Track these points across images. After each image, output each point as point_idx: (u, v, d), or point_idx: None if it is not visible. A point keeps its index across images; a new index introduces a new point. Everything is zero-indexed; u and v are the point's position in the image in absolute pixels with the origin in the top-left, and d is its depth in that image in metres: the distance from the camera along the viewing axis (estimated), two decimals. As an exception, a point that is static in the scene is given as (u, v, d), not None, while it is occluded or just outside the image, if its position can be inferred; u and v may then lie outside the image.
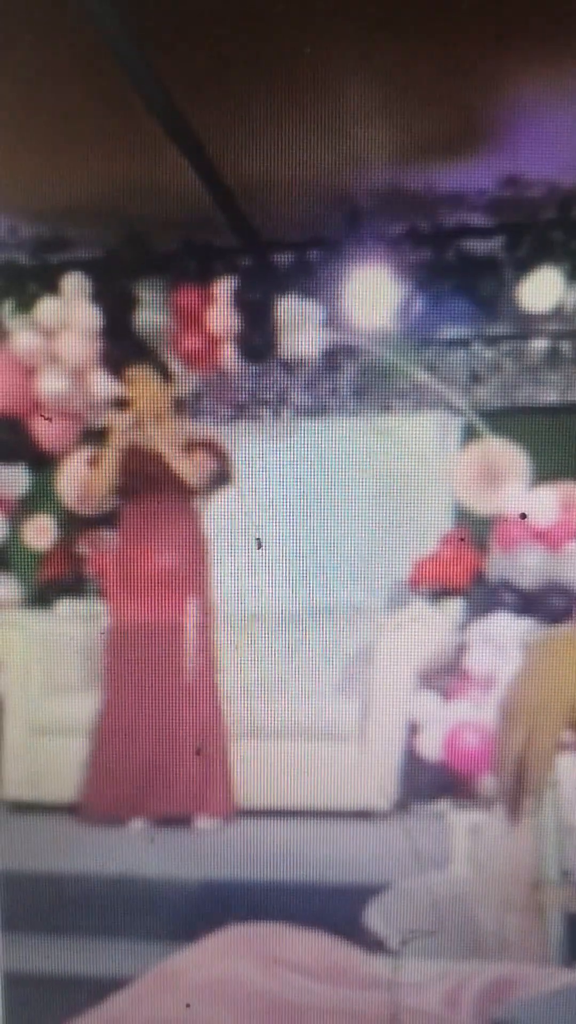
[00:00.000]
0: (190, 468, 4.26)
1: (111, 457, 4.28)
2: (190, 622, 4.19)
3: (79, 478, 4.86)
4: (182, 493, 4.29)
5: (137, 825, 4.02)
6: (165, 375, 4.46)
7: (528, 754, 1.24)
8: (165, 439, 4.28)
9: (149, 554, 4.25)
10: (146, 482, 4.28)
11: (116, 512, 4.79)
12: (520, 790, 1.23)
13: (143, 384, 4.36)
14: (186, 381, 4.95)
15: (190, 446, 4.32)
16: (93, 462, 4.43)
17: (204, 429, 4.60)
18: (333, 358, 5.03)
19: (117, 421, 4.32)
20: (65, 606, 4.99)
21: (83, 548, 5.15)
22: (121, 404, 4.37)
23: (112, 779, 4.09)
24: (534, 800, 1.24)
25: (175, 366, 4.82)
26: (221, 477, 4.35)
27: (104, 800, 4.08)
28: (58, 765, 4.29)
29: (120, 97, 3.82)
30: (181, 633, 4.17)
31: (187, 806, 4.05)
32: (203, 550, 4.32)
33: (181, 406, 4.70)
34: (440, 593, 4.65)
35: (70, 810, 4.14)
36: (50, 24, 3.44)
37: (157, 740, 4.08)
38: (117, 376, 4.80)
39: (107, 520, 5.19)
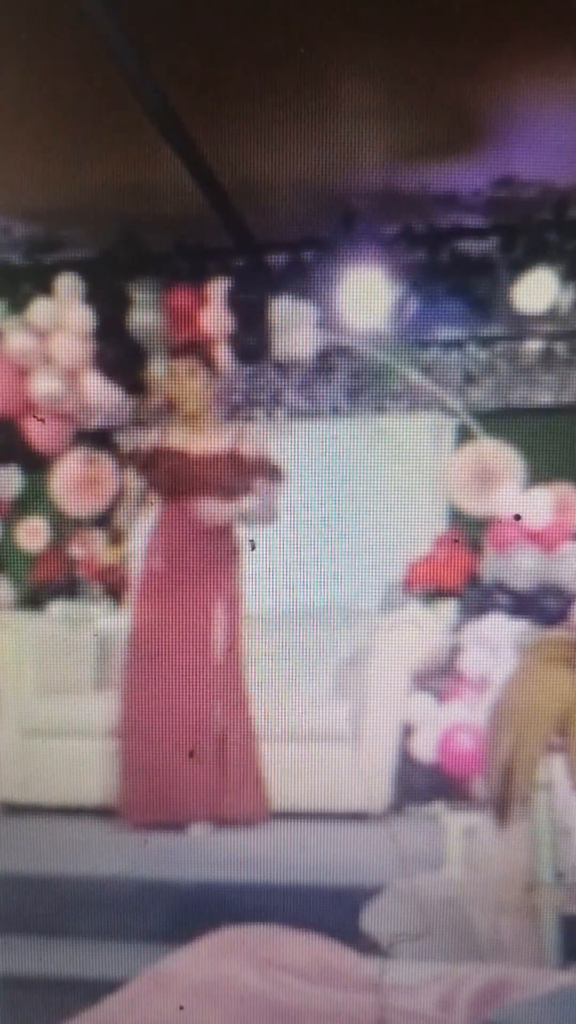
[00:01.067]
0: (251, 505, 4.16)
1: (151, 453, 4.18)
2: (218, 627, 4.13)
3: (78, 479, 4.84)
4: (218, 496, 4.19)
5: (196, 830, 3.95)
6: (212, 371, 4.35)
7: (515, 758, 1.24)
8: (203, 442, 4.15)
9: (181, 554, 4.17)
10: (183, 481, 4.17)
11: (110, 513, 4.79)
12: (508, 794, 1.23)
13: (189, 379, 4.23)
14: (234, 380, 4.90)
15: (248, 468, 4.20)
16: (132, 458, 4.29)
17: (251, 431, 4.41)
18: (327, 359, 5.03)
19: (160, 417, 4.23)
20: (58, 608, 4.98)
21: (76, 550, 5.14)
22: (169, 403, 4.25)
23: (147, 783, 4.01)
24: (521, 804, 1.24)
25: (224, 363, 4.73)
26: (271, 512, 4.23)
27: (143, 804, 4.00)
28: (51, 767, 4.28)
29: (115, 97, 3.81)
30: (209, 635, 4.10)
31: (220, 811, 4.00)
32: (235, 551, 4.24)
33: (224, 404, 4.62)
34: (434, 594, 4.64)
35: (64, 812, 4.13)
36: (44, 23, 3.44)
37: (189, 744, 4.02)
38: (113, 377, 4.79)
39: (101, 522, 5.20)
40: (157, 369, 4.89)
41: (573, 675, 1.21)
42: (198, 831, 3.95)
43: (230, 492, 4.19)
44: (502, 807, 1.19)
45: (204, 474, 4.16)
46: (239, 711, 4.10)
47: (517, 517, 4.51)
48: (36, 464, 5.14)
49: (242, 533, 4.26)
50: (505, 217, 4.65)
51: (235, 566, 4.22)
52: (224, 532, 4.22)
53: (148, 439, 4.24)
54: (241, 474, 4.20)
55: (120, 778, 4.05)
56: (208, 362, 4.33)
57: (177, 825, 3.96)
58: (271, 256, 4.94)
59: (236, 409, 5.21)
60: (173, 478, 4.18)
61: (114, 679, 4.39)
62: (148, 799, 4.00)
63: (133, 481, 4.28)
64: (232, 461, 4.20)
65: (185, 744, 3.99)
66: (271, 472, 4.24)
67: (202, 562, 4.15)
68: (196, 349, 4.39)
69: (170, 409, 4.24)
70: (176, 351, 4.41)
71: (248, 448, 4.23)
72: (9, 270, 4.99)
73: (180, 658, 4.07)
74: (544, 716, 1.21)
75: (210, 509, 4.13)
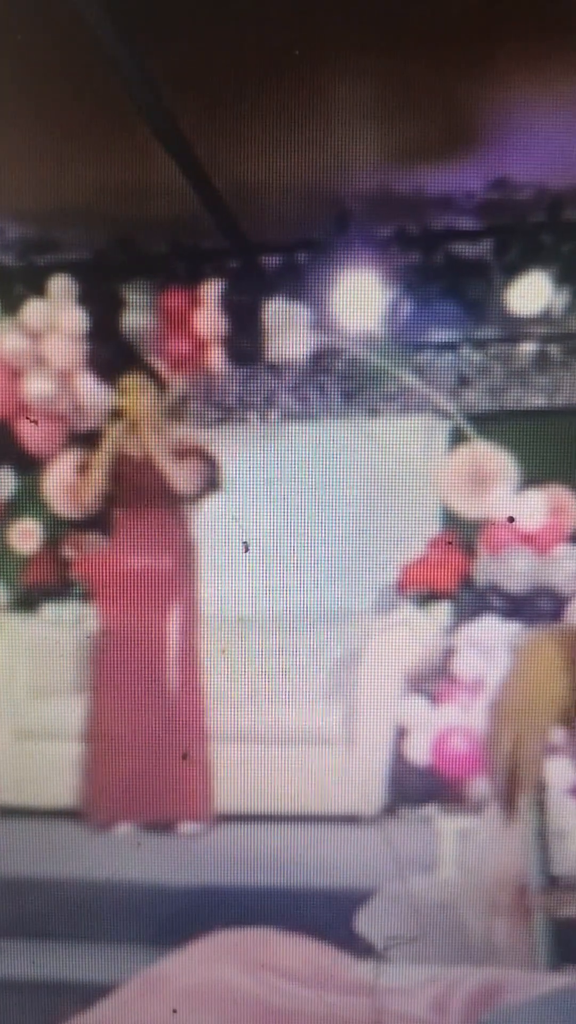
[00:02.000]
0: (181, 475, 4.28)
1: (102, 463, 4.31)
2: (174, 627, 4.20)
3: (67, 482, 4.85)
4: (172, 499, 4.31)
5: (123, 830, 4.02)
6: (159, 383, 4.48)
7: (519, 753, 1.23)
8: (157, 446, 4.30)
9: (137, 559, 4.26)
10: (137, 489, 4.30)
11: (104, 516, 4.78)
12: (513, 789, 1.23)
13: (137, 393, 4.39)
14: (178, 387, 4.95)
15: (181, 452, 4.33)
16: (81, 468, 4.44)
17: (194, 435, 4.61)
18: (321, 361, 5.02)
19: (110, 429, 4.34)
20: (50, 610, 4.97)
21: (69, 552, 5.13)
22: (115, 414, 4.38)
23: (102, 783, 4.10)
24: (527, 798, 1.24)
25: (166, 371, 4.83)
26: (211, 484, 4.36)
27: (97, 804, 4.09)
28: (43, 769, 4.27)
29: (109, 98, 3.80)
30: (165, 638, 4.18)
31: (168, 812, 4.06)
32: (192, 556, 4.34)
33: (174, 411, 4.70)
34: (428, 597, 4.64)
35: (57, 814, 4.12)
36: (38, 24, 3.43)
37: (141, 745, 4.09)
38: (106, 380, 4.79)
39: (94, 524, 5.18)
40: (164, 370, 4.90)
41: (570, 672, 1.21)
42: (124, 830, 4.00)
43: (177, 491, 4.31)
44: (509, 802, 1.19)
45: (156, 478, 4.26)
46: (193, 714, 4.15)
47: (511, 519, 4.52)
48: (29, 466, 5.13)
49: (230, 537, 4.28)
50: (499, 219, 4.65)
51: (191, 569, 4.30)
52: (181, 535, 4.30)
53: (99, 451, 4.34)
54: (177, 456, 4.34)
55: (83, 779, 4.11)
56: (155, 376, 4.45)
57: (111, 825, 4.03)
58: (265, 258, 4.94)
59: (229, 411, 5.21)
60: (127, 486, 4.28)
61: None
62: (105, 798, 4.07)
63: (80, 491, 4.40)
64: (178, 459, 4.28)
65: (139, 745, 4.06)
66: (201, 454, 4.38)
67: (157, 566, 4.24)
68: (144, 365, 4.52)
69: (117, 419, 4.34)
70: (126, 367, 4.53)
71: (187, 442, 4.40)
72: (2, 271, 4.98)
73: (137, 661, 4.15)
74: (545, 709, 1.21)
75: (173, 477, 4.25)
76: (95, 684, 4.25)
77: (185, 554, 4.33)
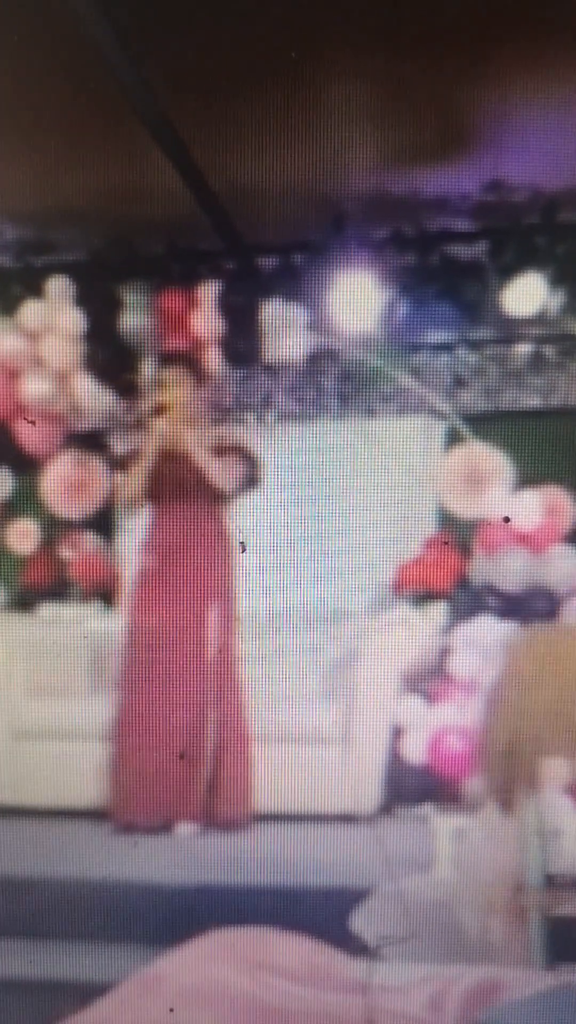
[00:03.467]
0: (221, 472, 4.22)
1: (146, 458, 4.23)
2: (212, 626, 4.15)
3: (67, 482, 4.85)
4: (211, 497, 4.25)
5: (183, 831, 3.98)
6: (199, 377, 4.42)
7: (515, 749, 1.25)
8: (196, 442, 4.24)
9: (176, 558, 4.20)
10: (176, 484, 4.22)
11: (106, 515, 4.79)
12: (510, 786, 1.24)
13: (177, 387, 4.32)
14: (225, 383, 4.93)
15: (220, 449, 4.28)
16: (124, 464, 4.37)
17: (234, 432, 4.56)
18: (317, 362, 5.03)
19: (153, 424, 4.27)
20: (48, 610, 4.98)
21: (66, 552, 5.14)
22: (157, 408, 4.32)
23: (134, 785, 4.03)
24: (524, 795, 1.25)
25: (216, 367, 4.79)
26: (251, 481, 4.31)
27: (128, 806, 4.02)
28: (40, 769, 4.27)
29: (106, 100, 3.81)
30: (203, 637, 4.13)
31: (207, 813, 4.02)
32: (229, 555, 4.27)
33: (215, 408, 4.67)
34: (424, 597, 4.66)
35: (54, 814, 4.13)
36: (37, 27, 3.44)
37: (179, 746, 4.04)
38: (103, 381, 4.79)
39: (92, 524, 5.19)
40: (148, 371, 4.89)
41: (565, 672, 1.22)
42: (184, 832, 3.97)
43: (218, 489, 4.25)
44: (507, 797, 1.20)
45: (194, 475, 4.21)
46: (233, 713, 4.11)
47: (506, 519, 4.53)
48: (27, 466, 5.13)
49: (235, 534, 4.28)
50: (494, 221, 4.66)
51: (229, 567, 4.24)
52: (218, 533, 4.25)
53: (142, 443, 4.28)
54: (217, 455, 4.28)
55: (112, 779, 4.07)
56: (195, 370, 4.40)
57: (164, 827, 3.97)
58: (262, 259, 4.95)
59: (226, 412, 5.22)
60: (165, 481, 4.22)
61: (105, 681, 4.40)
62: (139, 800, 4.02)
63: (126, 484, 4.32)
64: (217, 456, 4.25)
65: (177, 745, 4.01)
66: (241, 451, 4.32)
67: (196, 563, 4.18)
68: (183, 358, 4.47)
69: (159, 414, 4.28)
70: (164, 360, 4.49)
71: (226, 440, 4.33)
72: (0, 272, 4.99)
73: (174, 659, 4.09)
74: (540, 706, 1.22)
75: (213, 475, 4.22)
76: (127, 683, 4.17)
77: (220, 553, 4.26)
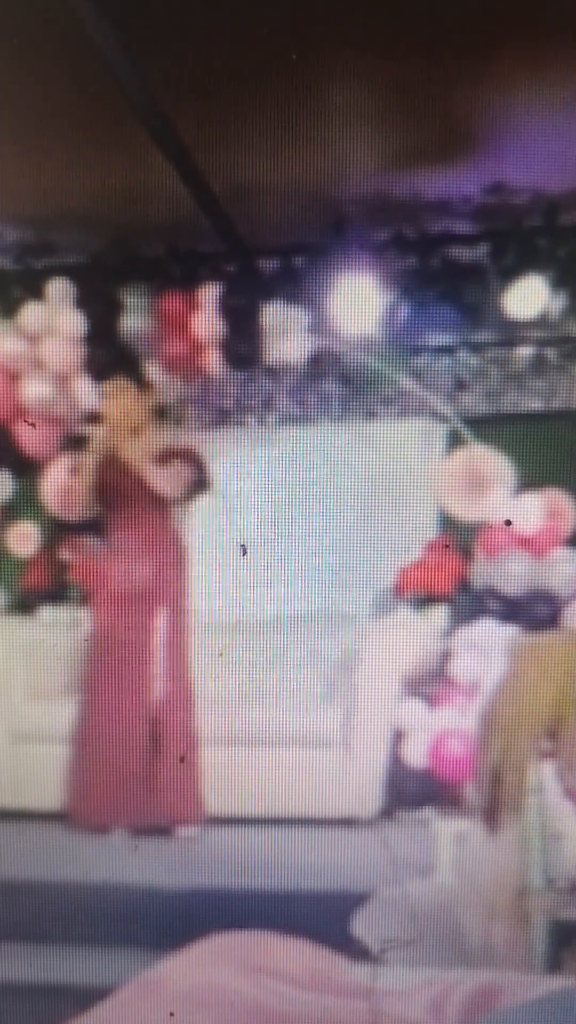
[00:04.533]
0: (165, 480, 4.26)
1: (88, 468, 4.30)
2: (162, 631, 4.20)
3: (63, 485, 4.85)
4: (160, 503, 4.30)
5: (117, 834, 4.01)
6: (142, 385, 4.46)
7: (504, 764, 1.23)
8: (139, 451, 4.28)
9: (125, 563, 4.25)
10: (123, 494, 4.29)
11: (101, 519, 4.79)
12: (497, 800, 1.23)
13: (119, 396, 4.38)
14: (167, 390, 4.94)
15: (165, 456, 4.31)
16: (73, 472, 4.44)
17: (182, 437, 4.60)
18: (318, 364, 5.02)
19: (93, 433, 4.33)
20: (48, 613, 4.97)
21: (66, 555, 5.13)
22: (96, 417, 4.38)
23: (91, 787, 4.09)
24: (511, 811, 1.23)
25: (156, 374, 4.82)
26: (198, 485, 4.35)
27: (86, 808, 4.08)
28: (40, 772, 4.27)
29: (107, 102, 3.81)
30: (153, 641, 4.17)
31: (157, 816, 4.05)
32: (180, 560, 4.33)
33: (163, 414, 4.69)
34: (425, 600, 4.65)
35: (54, 817, 4.12)
36: (37, 28, 3.43)
37: (130, 749, 4.08)
38: (103, 383, 4.79)
39: (91, 527, 5.18)
40: (149, 373, 4.89)
41: (564, 679, 1.21)
42: (118, 835, 4.00)
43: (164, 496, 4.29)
44: (492, 813, 1.18)
45: (138, 484, 4.25)
46: (181, 716, 4.14)
47: (508, 523, 4.52)
48: (26, 468, 5.13)
49: (228, 540, 4.29)
50: (496, 223, 4.66)
51: (180, 571, 4.29)
52: (168, 538, 4.30)
53: (85, 457, 4.34)
54: (161, 461, 4.32)
55: (68, 779, 4.11)
56: (138, 378, 4.43)
57: (106, 829, 4.01)
58: (262, 261, 4.94)
59: (227, 414, 5.21)
60: (112, 489, 4.28)
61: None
62: (91, 801, 4.06)
63: (74, 494, 4.40)
64: (161, 463, 4.27)
65: (128, 748, 4.06)
66: (185, 456, 4.36)
67: (145, 568, 4.23)
68: (125, 367, 4.51)
69: (99, 424, 4.34)
70: (108, 370, 4.52)
71: (172, 447, 4.39)
72: (0, 275, 4.99)
73: (125, 663, 4.14)
74: (534, 720, 1.20)
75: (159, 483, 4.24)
76: (85, 687, 4.25)
77: (173, 557, 4.32)
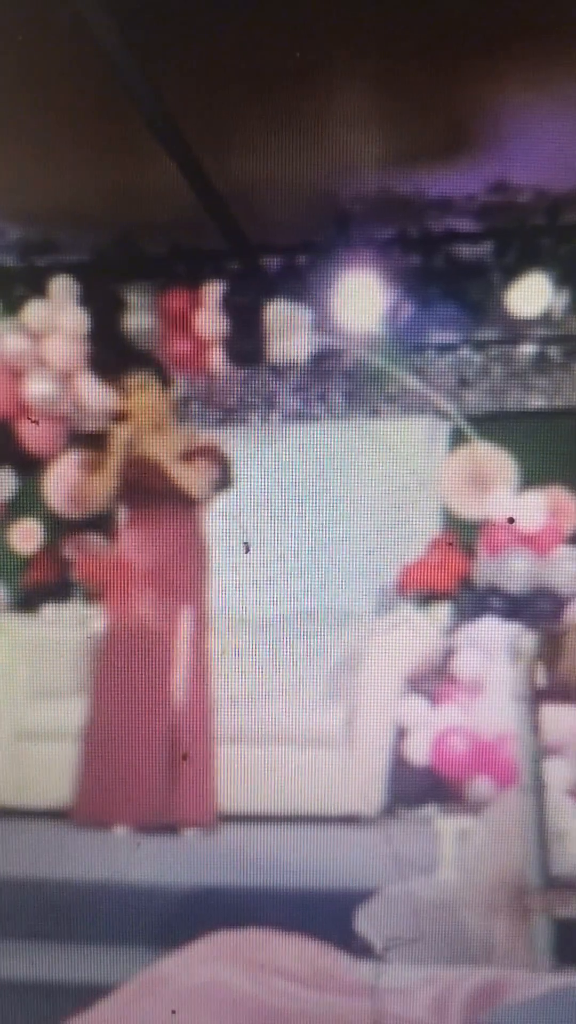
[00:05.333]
0: (190, 477, 4.21)
1: (112, 465, 4.24)
2: (183, 630, 4.16)
3: (70, 482, 4.84)
4: (183, 500, 4.24)
5: (120, 831, 4.00)
6: (164, 382, 4.41)
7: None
8: (164, 448, 4.23)
9: (147, 560, 4.21)
10: (146, 490, 4.23)
11: (105, 516, 4.78)
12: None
13: (142, 392, 4.31)
14: (186, 387, 4.93)
15: (190, 453, 4.26)
16: (92, 468, 4.38)
17: (204, 434, 4.56)
18: (322, 362, 5.03)
19: (116, 430, 4.28)
20: (51, 610, 4.97)
21: (69, 552, 5.14)
22: (120, 414, 4.32)
23: (100, 784, 4.07)
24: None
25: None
26: (222, 483, 4.30)
27: (93, 805, 4.06)
28: (44, 770, 4.27)
29: (111, 101, 3.81)
30: (174, 641, 4.14)
31: (169, 815, 4.03)
32: (202, 558, 4.27)
33: (179, 411, 4.66)
34: (428, 598, 4.65)
35: (57, 815, 4.12)
36: (42, 28, 3.44)
37: (144, 747, 4.06)
38: (108, 381, 4.78)
39: (95, 524, 5.19)
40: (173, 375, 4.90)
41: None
42: (122, 832, 3.99)
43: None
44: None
45: (163, 481, 4.21)
46: (199, 717, 4.12)
47: (511, 520, 4.52)
48: (30, 466, 5.13)
49: (231, 537, 4.28)
50: (499, 222, 4.66)
51: (202, 572, 4.25)
52: (190, 535, 4.26)
53: (108, 452, 4.30)
54: (186, 459, 4.27)
55: (77, 776, 4.09)
56: (161, 375, 4.40)
57: (110, 825, 3.99)
58: (266, 260, 4.94)
59: (231, 412, 5.22)
60: (135, 486, 4.24)
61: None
62: (101, 799, 4.04)
63: (94, 493, 4.35)
64: (186, 461, 4.25)
65: (143, 746, 4.04)
66: (210, 454, 4.29)
67: (168, 565, 4.19)
68: (149, 363, 4.47)
69: (122, 420, 4.29)
70: (131, 366, 4.49)
71: (195, 444, 4.32)
72: (3, 272, 4.99)
73: (145, 660, 4.11)
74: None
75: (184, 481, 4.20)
76: (98, 685, 4.21)
77: (196, 555, 4.27)
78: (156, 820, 4.00)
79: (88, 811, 4.05)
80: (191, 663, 4.15)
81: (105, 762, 4.08)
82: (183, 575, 4.21)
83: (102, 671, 4.21)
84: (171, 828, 4.01)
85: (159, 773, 4.05)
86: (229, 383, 5.12)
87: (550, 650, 2.53)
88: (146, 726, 4.07)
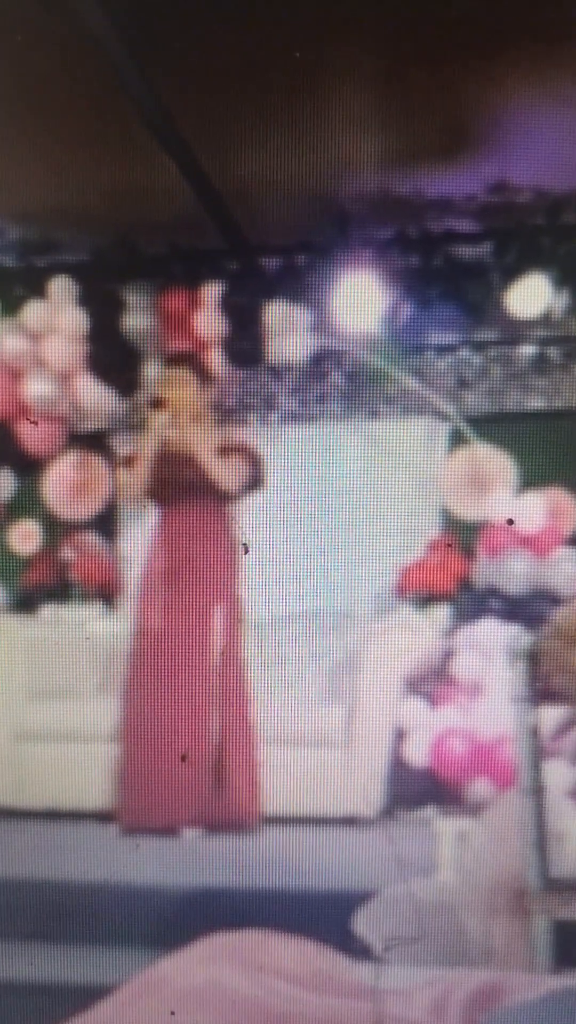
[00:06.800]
0: (225, 472, 4.18)
1: (147, 456, 4.19)
2: (217, 627, 4.12)
3: (70, 483, 4.84)
4: (217, 498, 4.21)
5: (190, 834, 3.95)
6: (204, 377, 4.38)
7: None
8: (201, 442, 4.19)
9: (181, 559, 4.17)
10: (180, 484, 4.19)
11: (107, 517, 4.77)
12: None
13: (181, 385, 4.26)
14: (228, 384, 4.90)
15: (225, 450, 4.23)
16: (128, 463, 4.33)
17: (238, 432, 4.53)
18: (321, 363, 5.02)
19: (154, 421, 4.23)
20: (49, 611, 4.97)
21: (68, 553, 5.13)
22: (158, 403, 4.26)
23: (144, 788, 4.00)
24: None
25: (218, 368, 4.77)
26: (255, 482, 4.27)
27: (138, 809, 3.99)
28: (42, 771, 4.26)
29: (110, 101, 3.81)
30: (209, 638, 4.10)
31: (215, 816, 3.99)
32: (234, 555, 4.24)
33: (218, 409, 4.63)
34: (427, 599, 4.64)
35: (55, 816, 4.12)
36: (40, 27, 3.43)
37: (186, 748, 4.00)
38: (105, 382, 4.78)
39: (98, 524, 5.19)
40: (150, 372, 4.89)
41: None
42: (191, 835, 3.95)
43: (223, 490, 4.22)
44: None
45: (199, 476, 4.18)
46: (238, 715, 4.09)
47: (510, 522, 4.52)
48: (29, 467, 5.13)
49: (239, 535, 4.26)
50: (498, 222, 4.66)
51: (234, 570, 4.21)
52: (223, 533, 4.22)
53: (142, 442, 4.25)
54: (220, 455, 4.23)
55: (118, 782, 4.05)
56: (200, 370, 4.36)
57: (171, 829, 3.95)
58: (265, 260, 4.94)
59: (229, 413, 5.21)
60: (170, 481, 4.19)
61: (107, 682, 4.39)
62: (145, 803, 3.99)
63: (128, 485, 4.30)
64: (221, 457, 4.22)
65: (182, 748, 3.99)
66: (245, 452, 4.27)
67: (202, 564, 4.15)
68: (189, 358, 4.44)
69: (160, 413, 4.24)
70: (171, 360, 4.46)
71: (231, 441, 4.29)
72: (2, 272, 4.99)
73: (180, 661, 4.06)
74: None
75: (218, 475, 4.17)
76: (132, 686, 4.15)
77: (228, 552, 4.23)
78: (202, 822, 3.96)
79: (133, 816, 3.99)
80: (227, 661, 4.12)
81: (147, 765, 4.02)
82: (216, 572, 4.17)
83: (135, 672, 4.16)
84: (219, 829, 3.96)
85: (203, 774, 4.01)
86: (227, 384, 5.11)
87: (535, 652, 2.53)
88: (186, 727, 4.02)
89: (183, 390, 4.25)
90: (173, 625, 4.10)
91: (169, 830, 3.94)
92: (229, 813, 4.00)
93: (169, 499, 4.20)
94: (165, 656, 4.07)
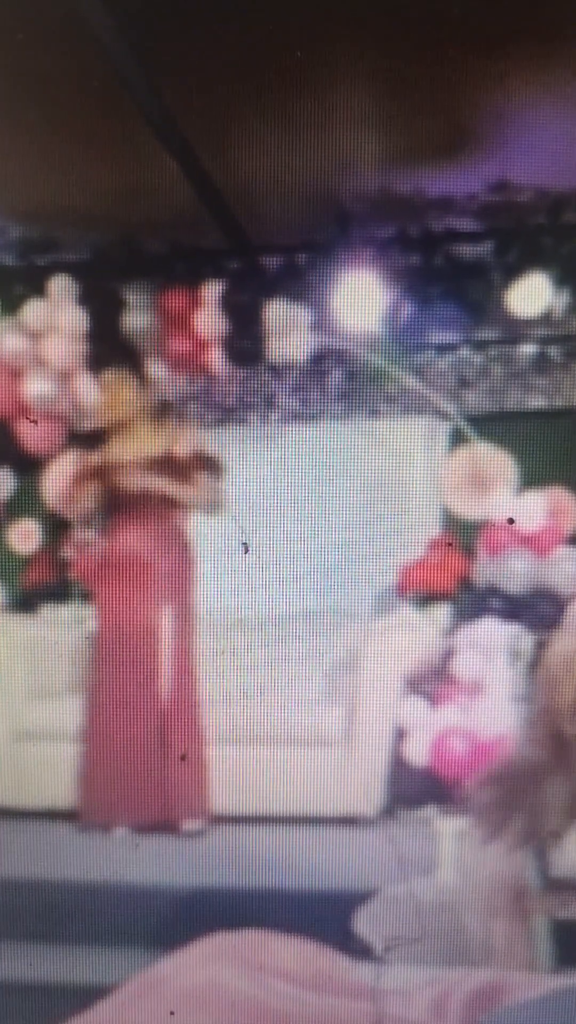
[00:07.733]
0: (193, 494, 4.23)
1: (92, 472, 4.26)
2: (168, 628, 4.18)
3: (65, 484, 4.84)
4: (166, 501, 4.26)
5: (119, 832, 4.00)
6: (142, 379, 4.42)
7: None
8: (154, 479, 4.23)
9: (131, 559, 4.23)
10: (132, 496, 4.24)
11: (103, 516, 4.77)
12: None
13: (118, 388, 4.33)
14: (167, 385, 4.92)
15: (182, 463, 4.26)
16: (78, 476, 4.39)
17: (187, 432, 4.55)
18: (321, 362, 5.02)
19: (105, 435, 4.29)
20: (49, 611, 4.97)
21: (68, 552, 5.13)
22: (104, 412, 4.33)
23: (96, 785, 4.08)
24: None
25: (158, 370, 4.80)
26: (209, 485, 4.31)
27: (92, 806, 4.07)
28: (42, 771, 4.26)
29: (111, 99, 3.80)
30: (159, 639, 4.16)
31: (163, 814, 4.04)
32: (187, 556, 4.31)
33: (167, 409, 4.66)
34: (427, 598, 4.64)
35: (55, 816, 4.12)
36: (42, 26, 3.43)
37: (136, 746, 4.07)
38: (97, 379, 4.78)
39: (93, 524, 5.18)
40: (151, 371, 4.89)
41: None
42: (121, 833, 3.99)
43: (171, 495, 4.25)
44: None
45: (143, 486, 4.22)
46: (187, 715, 4.13)
47: (510, 521, 4.52)
48: (28, 466, 5.13)
49: (230, 538, 4.27)
50: (499, 221, 4.65)
51: (186, 570, 4.26)
52: (174, 536, 4.27)
53: (90, 454, 4.31)
54: (179, 473, 4.25)
55: (79, 778, 4.10)
56: (138, 370, 4.40)
57: (108, 827, 4.00)
58: (266, 259, 4.94)
59: (230, 412, 5.21)
60: (116, 489, 4.24)
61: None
62: (101, 800, 4.05)
63: (75, 499, 4.37)
64: (168, 463, 4.24)
65: (135, 747, 4.05)
66: (208, 464, 4.27)
67: (151, 566, 4.21)
68: (126, 357, 4.47)
69: (108, 429, 4.30)
70: (105, 361, 4.49)
71: (183, 447, 4.29)
72: (2, 271, 4.98)
73: (130, 661, 4.13)
74: None
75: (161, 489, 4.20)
76: (91, 685, 4.24)
77: (180, 555, 4.30)
78: (153, 819, 4.01)
79: (92, 813, 4.05)
80: (176, 660, 4.17)
81: (103, 763, 4.09)
82: (165, 572, 4.23)
83: (95, 671, 4.23)
84: (168, 827, 4.02)
85: (153, 772, 4.06)
86: (228, 383, 5.11)
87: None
88: (137, 725, 4.09)
89: (121, 392, 4.29)
90: (125, 625, 4.16)
91: (106, 828, 3.99)
92: (175, 813, 4.03)
93: (118, 503, 4.26)
94: (118, 656, 4.14)
